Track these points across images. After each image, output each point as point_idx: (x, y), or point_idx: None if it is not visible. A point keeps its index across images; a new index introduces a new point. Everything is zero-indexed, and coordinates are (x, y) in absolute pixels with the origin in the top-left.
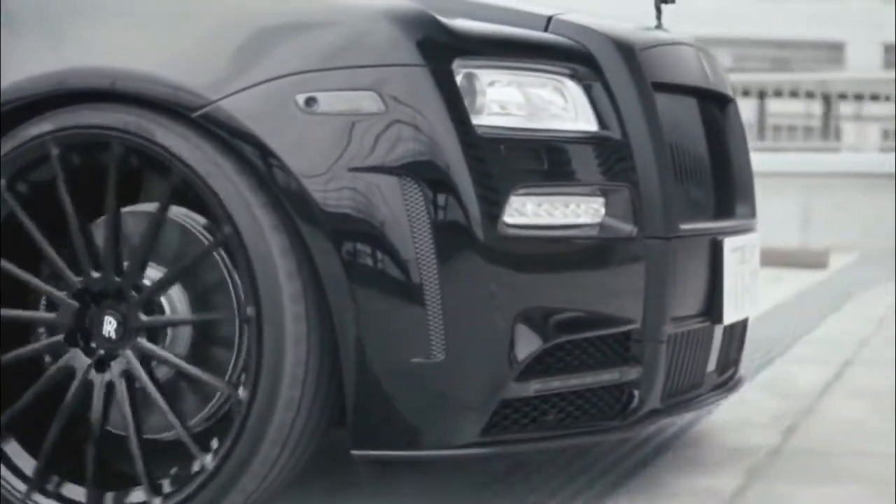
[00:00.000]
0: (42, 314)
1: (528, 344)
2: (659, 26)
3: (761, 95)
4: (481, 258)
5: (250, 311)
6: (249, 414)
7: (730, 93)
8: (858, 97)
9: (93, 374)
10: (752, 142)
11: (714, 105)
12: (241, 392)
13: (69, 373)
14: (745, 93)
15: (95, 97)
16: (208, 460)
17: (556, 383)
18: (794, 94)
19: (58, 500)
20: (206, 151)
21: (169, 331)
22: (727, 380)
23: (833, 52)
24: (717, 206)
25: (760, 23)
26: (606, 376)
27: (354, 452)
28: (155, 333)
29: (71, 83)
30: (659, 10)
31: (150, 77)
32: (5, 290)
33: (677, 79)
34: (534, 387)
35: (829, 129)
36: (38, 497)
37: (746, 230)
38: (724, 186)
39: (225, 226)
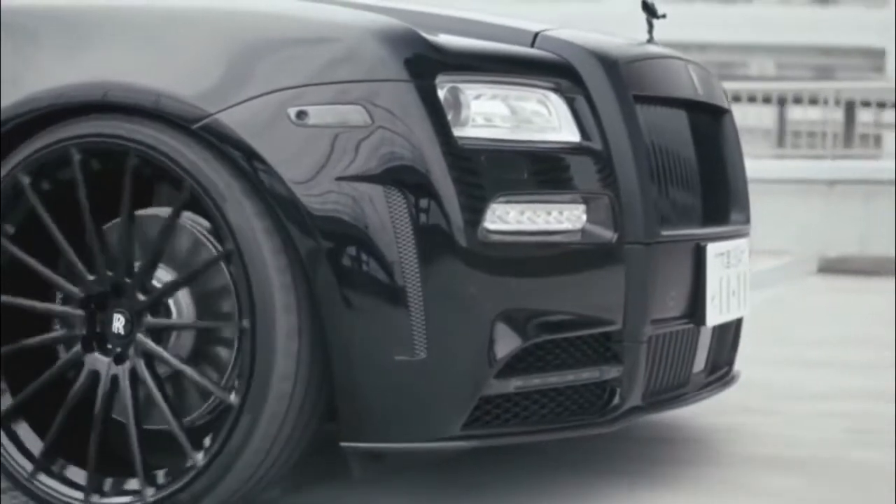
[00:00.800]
0: (57, 307)
1: (507, 343)
2: (650, 41)
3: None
4: (461, 262)
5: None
6: (239, 418)
7: (724, 104)
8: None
9: (100, 367)
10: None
11: (707, 116)
12: (233, 397)
13: (78, 363)
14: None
15: (111, 109)
16: (199, 458)
17: (537, 381)
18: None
19: (61, 482)
20: (206, 160)
21: (174, 334)
22: (718, 378)
23: (875, 59)
24: (706, 213)
25: (803, 29)
26: (587, 374)
27: (343, 444)
28: (160, 332)
29: (91, 95)
30: (650, 25)
31: (158, 91)
32: (20, 283)
33: (663, 91)
34: (514, 384)
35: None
36: (42, 477)
37: (734, 236)
38: (718, 194)
39: (224, 233)
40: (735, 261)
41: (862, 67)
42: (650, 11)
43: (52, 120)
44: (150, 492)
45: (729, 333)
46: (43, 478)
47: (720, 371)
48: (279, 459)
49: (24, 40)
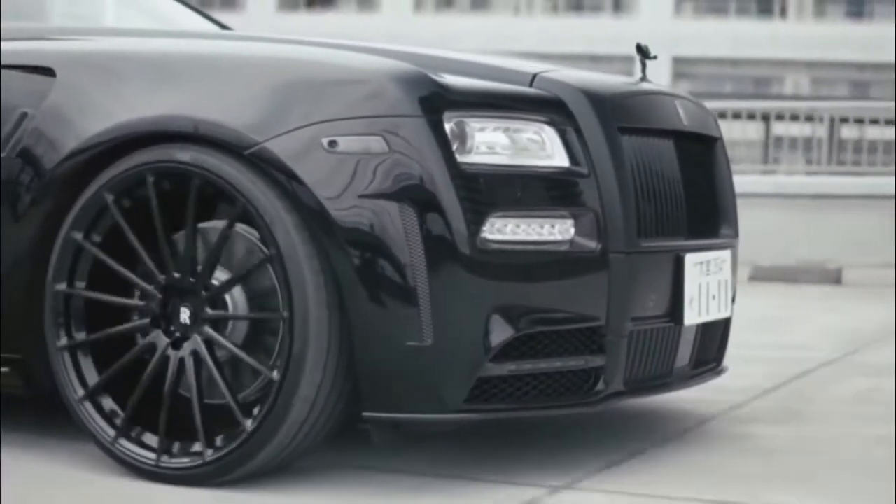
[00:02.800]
0: (136, 301)
1: (501, 333)
2: (643, 79)
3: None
4: (463, 265)
5: (285, 312)
6: (281, 389)
7: (714, 133)
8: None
9: (170, 351)
10: None
11: (697, 144)
12: (276, 374)
13: (152, 348)
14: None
15: (175, 138)
16: (249, 423)
17: (529, 366)
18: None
19: (138, 445)
20: (254, 181)
21: (230, 324)
22: (704, 371)
23: None
24: (691, 227)
25: (838, 45)
26: (573, 363)
27: (365, 414)
28: (219, 322)
29: (159, 126)
30: (643, 66)
31: (217, 123)
32: (105, 283)
33: (649, 123)
34: (508, 368)
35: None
36: (123, 441)
37: (716, 247)
38: (705, 210)
39: (268, 240)
40: (716, 269)
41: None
42: (643, 53)
43: (129, 147)
44: (209, 452)
45: (716, 332)
46: (123, 441)
47: (707, 365)
48: (314, 429)
49: (111, 79)
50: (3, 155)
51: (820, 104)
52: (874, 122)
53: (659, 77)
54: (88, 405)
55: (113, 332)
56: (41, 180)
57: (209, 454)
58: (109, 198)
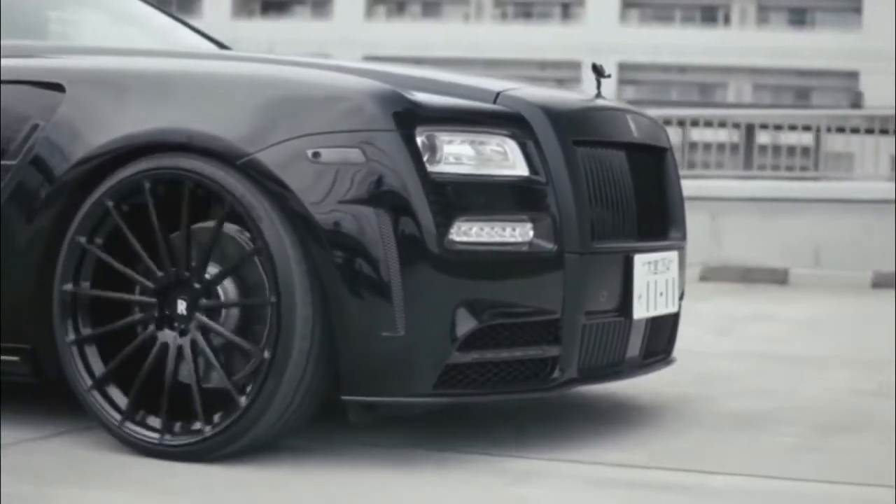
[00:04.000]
0: (136, 297)
1: (465, 324)
2: (598, 96)
3: None
4: (432, 264)
5: (273, 298)
6: (271, 369)
7: (663, 144)
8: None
9: (169, 340)
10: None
11: (648, 154)
12: (266, 353)
13: (152, 338)
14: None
15: (174, 148)
16: (243, 400)
17: (491, 355)
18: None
19: (142, 427)
20: (247, 187)
21: (223, 310)
22: (654, 361)
23: (849, 81)
24: (641, 230)
25: (780, 53)
26: (532, 352)
27: (344, 397)
28: (214, 312)
29: (159, 138)
30: (598, 84)
31: (212, 136)
32: (107, 281)
33: (602, 136)
34: (472, 356)
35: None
36: (128, 424)
37: (664, 248)
38: (655, 215)
39: (259, 239)
40: (663, 268)
41: (836, 89)
42: (598, 72)
43: (132, 156)
44: (207, 429)
45: (665, 326)
46: (129, 424)
47: (657, 356)
48: (300, 407)
49: (116, 94)
50: (16, 162)
51: (735, 112)
52: (792, 128)
53: (604, 83)
54: (96, 393)
55: (116, 327)
56: (51, 185)
57: (208, 430)
58: (110, 203)
